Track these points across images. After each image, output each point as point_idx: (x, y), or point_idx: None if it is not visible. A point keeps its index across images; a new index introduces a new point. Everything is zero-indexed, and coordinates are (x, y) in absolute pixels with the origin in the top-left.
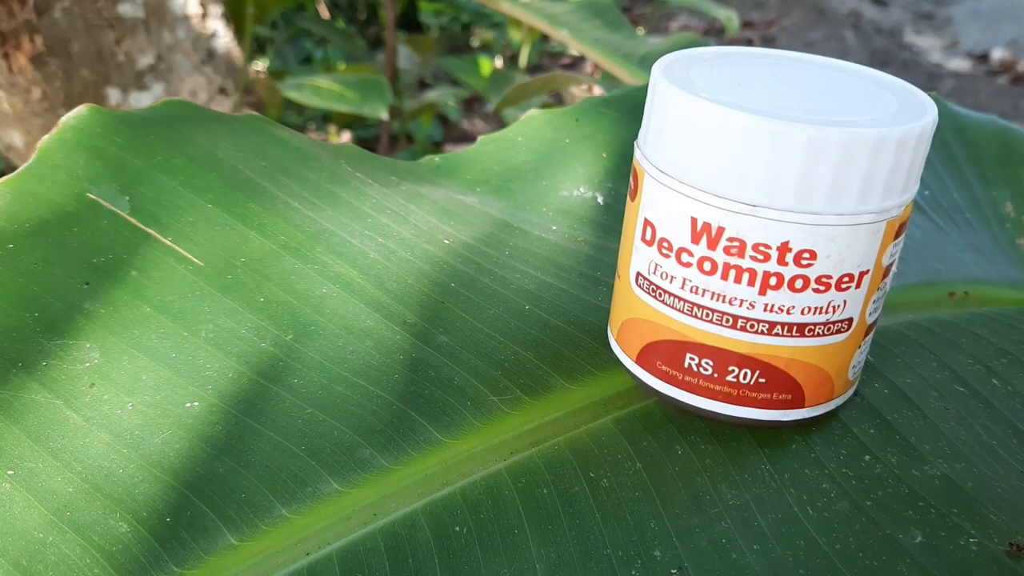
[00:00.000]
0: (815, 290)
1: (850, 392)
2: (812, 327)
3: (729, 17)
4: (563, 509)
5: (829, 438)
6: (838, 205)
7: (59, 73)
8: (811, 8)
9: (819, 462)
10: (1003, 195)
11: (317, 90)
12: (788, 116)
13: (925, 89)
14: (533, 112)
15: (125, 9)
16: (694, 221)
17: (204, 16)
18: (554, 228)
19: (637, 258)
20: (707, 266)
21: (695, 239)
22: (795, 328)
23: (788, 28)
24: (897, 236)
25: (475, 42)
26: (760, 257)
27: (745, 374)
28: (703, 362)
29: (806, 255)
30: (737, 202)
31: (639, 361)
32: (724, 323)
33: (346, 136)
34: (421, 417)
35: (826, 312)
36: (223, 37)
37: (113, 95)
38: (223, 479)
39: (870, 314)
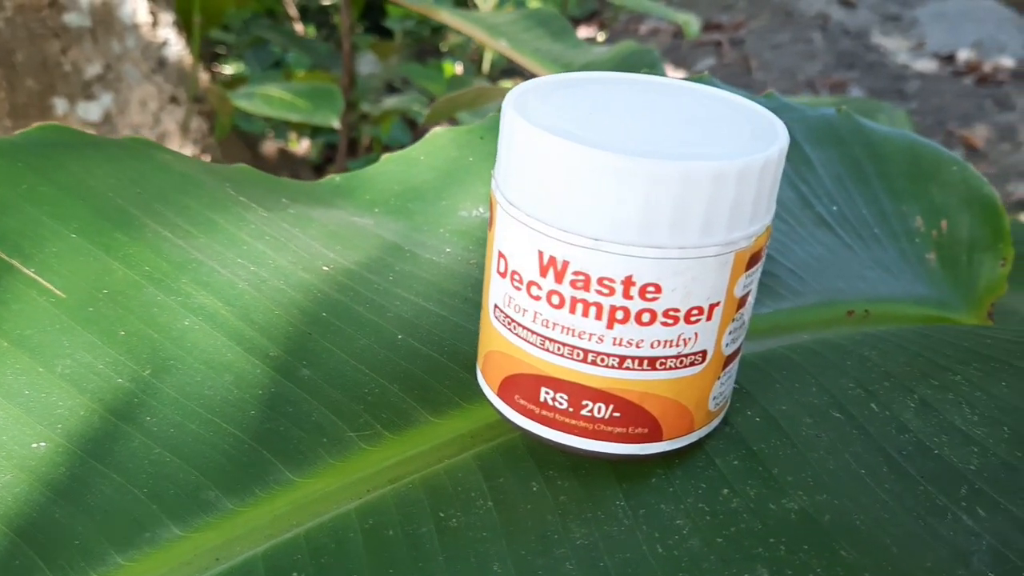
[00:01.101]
0: (663, 323)
1: (715, 423)
2: (663, 360)
3: (687, 22)
4: (408, 552)
5: (691, 471)
6: (681, 239)
7: (3, 83)
8: (779, 10)
9: (677, 497)
10: (913, 209)
11: (268, 99)
12: (631, 149)
13: (890, 91)
14: (438, 130)
15: (71, 18)
16: (541, 254)
17: (154, 24)
18: (448, 250)
19: (494, 290)
20: (555, 299)
21: (543, 272)
22: (646, 361)
23: (756, 30)
24: (750, 266)
25: (444, 47)
26: (605, 291)
27: (599, 408)
28: (558, 396)
29: (651, 289)
30: (581, 236)
31: (500, 394)
32: (575, 357)
33: (306, 143)
34: (273, 456)
35: (677, 345)
36: (175, 45)
37: (60, 105)
38: (59, 525)
39: (727, 345)
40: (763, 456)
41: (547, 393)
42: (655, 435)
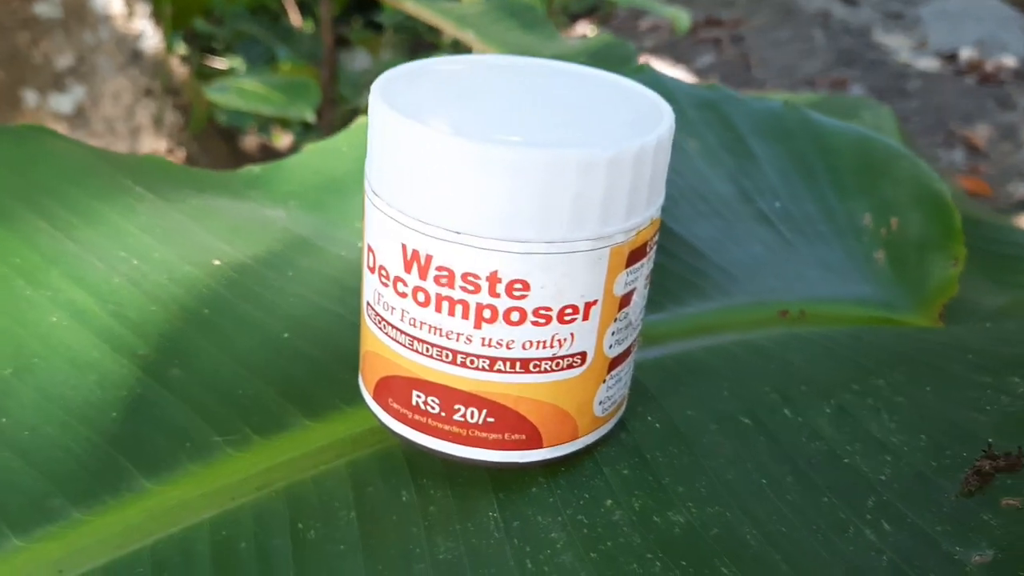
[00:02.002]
0: (534, 323)
1: (604, 428)
2: (537, 362)
3: (678, 16)
4: (257, 567)
5: (576, 480)
6: (548, 232)
7: None
8: (779, 7)
9: (555, 508)
10: (861, 206)
11: (242, 92)
12: (495, 137)
13: (891, 89)
14: (363, 118)
15: (42, 9)
16: (404, 248)
17: (130, 15)
18: (359, 245)
19: (366, 286)
20: (421, 297)
21: (407, 267)
22: (518, 363)
23: (756, 27)
24: (632, 263)
25: (440, 42)
26: (471, 288)
27: (472, 413)
28: (429, 399)
29: (518, 285)
30: (442, 228)
31: (375, 397)
32: (444, 358)
33: (288, 138)
34: (129, 461)
35: (551, 346)
36: (151, 38)
37: (30, 97)
38: None
39: (610, 347)
40: (656, 465)
41: (419, 396)
42: (534, 442)
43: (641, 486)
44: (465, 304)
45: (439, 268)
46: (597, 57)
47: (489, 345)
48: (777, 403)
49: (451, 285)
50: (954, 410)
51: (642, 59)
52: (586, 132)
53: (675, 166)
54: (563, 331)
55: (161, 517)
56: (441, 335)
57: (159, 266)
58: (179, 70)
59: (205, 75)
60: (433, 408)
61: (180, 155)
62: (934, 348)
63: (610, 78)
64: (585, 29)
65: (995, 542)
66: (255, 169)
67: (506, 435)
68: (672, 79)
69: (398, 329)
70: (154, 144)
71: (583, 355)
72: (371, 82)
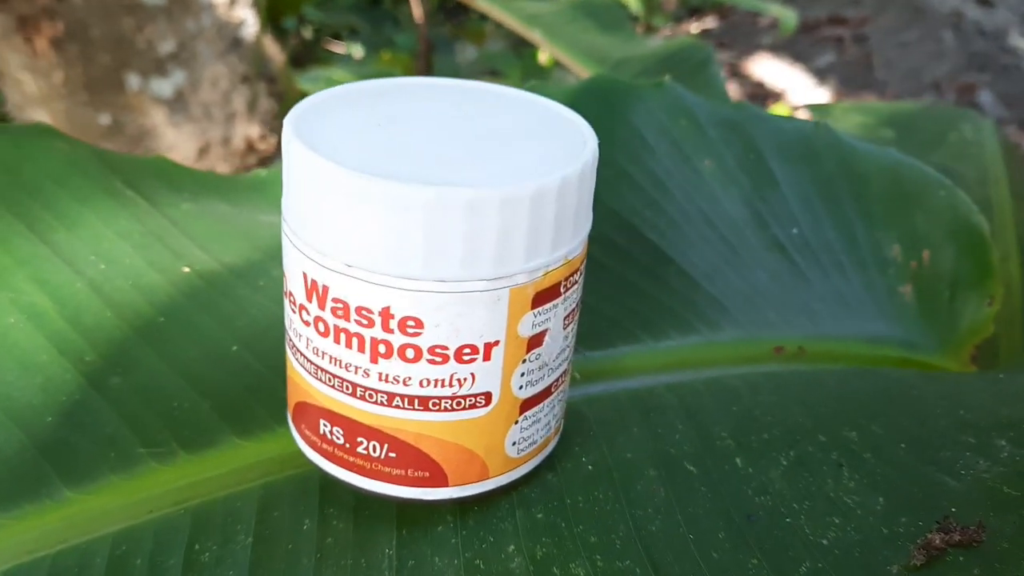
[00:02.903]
0: (431, 361)
1: (523, 469)
2: (437, 400)
3: (784, 16)
4: None
5: (486, 522)
6: (438, 271)
7: (78, 57)
8: (908, 6)
9: (456, 550)
10: (890, 236)
11: (330, 83)
12: (384, 170)
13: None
14: None
15: None
16: (305, 276)
17: (232, 3)
18: None
19: (285, 312)
20: (321, 327)
21: (308, 296)
22: (417, 401)
23: (882, 26)
24: (540, 304)
25: None
26: (364, 322)
27: (374, 447)
28: (335, 430)
29: (411, 323)
30: (336, 260)
31: (294, 421)
32: (345, 390)
33: None
34: (53, 468)
35: (450, 385)
36: (251, 26)
37: (133, 81)
38: None
39: (520, 388)
40: (574, 511)
41: (325, 426)
42: (438, 480)
43: (551, 533)
44: (360, 337)
45: (335, 300)
46: (671, 61)
47: (386, 380)
48: (730, 450)
49: (347, 318)
50: (924, 472)
51: (758, 57)
52: (494, 167)
53: (683, 187)
54: (462, 370)
55: (77, 526)
56: (341, 367)
57: (126, 272)
58: (277, 57)
59: (323, 60)
60: (338, 439)
61: (272, 141)
62: (927, 398)
63: (542, 103)
64: (699, 26)
65: None
66: (262, 173)
67: (409, 471)
68: (694, 97)
69: (305, 357)
70: (247, 130)
71: (487, 395)
72: (479, 72)
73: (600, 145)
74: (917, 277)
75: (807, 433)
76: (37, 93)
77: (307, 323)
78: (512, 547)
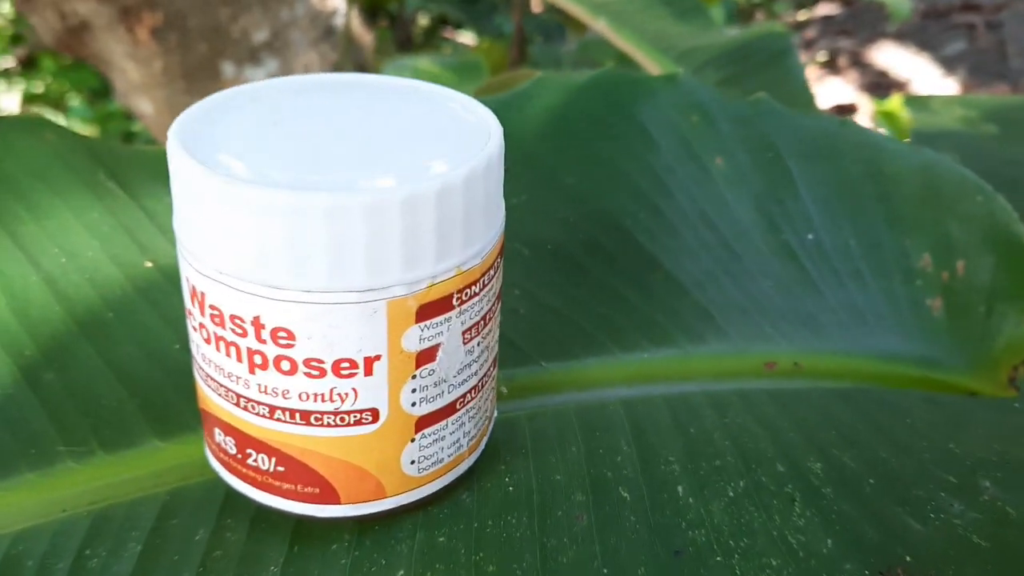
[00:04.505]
0: (307, 374)
1: (428, 489)
2: (319, 415)
3: (896, 3)
4: None
5: (383, 542)
6: (303, 281)
7: (177, 47)
8: None
9: (343, 571)
10: (918, 244)
11: (416, 71)
12: (258, 174)
13: None
14: None
15: None
16: (187, 281)
17: None
18: None
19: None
20: (204, 333)
21: (191, 301)
22: (298, 414)
23: (1019, 13)
24: (428, 317)
25: None
26: (239, 331)
27: (263, 459)
28: (226, 439)
29: (282, 334)
30: (207, 265)
31: (204, 427)
32: (230, 399)
33: None
34: None
35: (331, 400)
36: (343, 15)
37: (228, 69)
38: None
39: (414, 405)
40: (479, 536)
41: (218, 433)
42: (329, 497)
43: (446, 559)
44: (237, 347)
45: (212, 307)
46: (744, 51)
47: (265, 392)
48: (673, 476)
49: (223, 325)
50: (888, 512)
51: (883, 44)
52: (380, 169)
53: (686, 187)
54: (343, 385)
55: None
56: (224, 375)
57: (85, 266)
58: (367, 45)
59: (436, 45)
60: (231, 449)
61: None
62: (919, 427)
63: (456, 99)
64: (827, 10)
65: None
66: None
67: (299, 487)
68: (710, 90)
69: (196, 363)
70: None
71: (374, 412)
72: (567, 63)
73: (596, 143)
74: (949, 289)
75: (765, 461)
76: (139, 81)
77: (194, 328)
78: (401, 572)
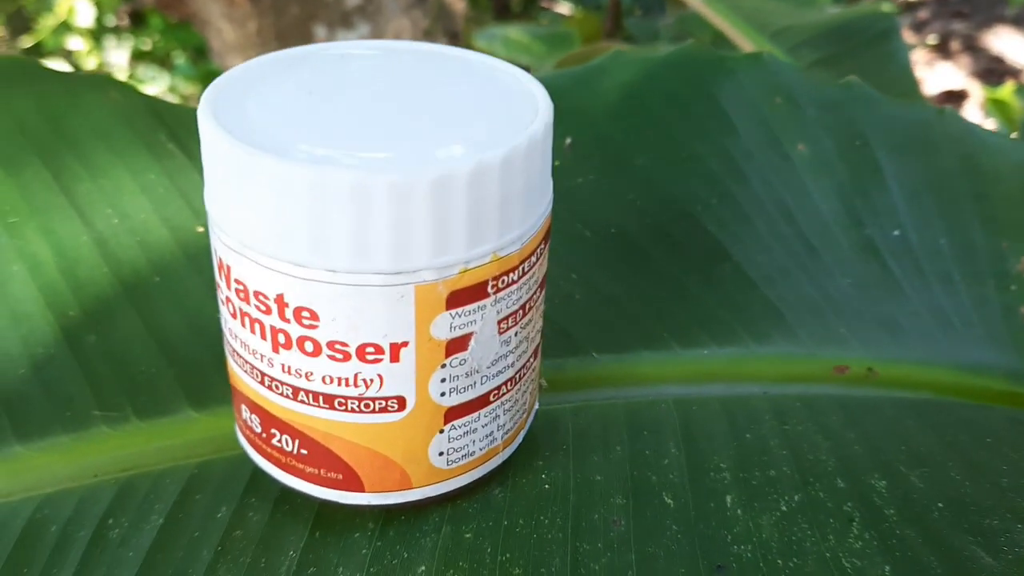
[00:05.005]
0: (331, 357)
1: (458, 482)
2: (343, 400)
3: None
4: (49, 556)
5: (407, 534)
6: (326, 260)
7: (271, 8)
8: None
9: (362, 562)
10: (1017, 247)
11: (506, 41)
12: (286, 144)
13: None
14: None
15: None
16: (214, 252)
17: None
18: None
19: None
20: (231, 308)
21: (219, 273)
22: (322, 398)
23: None
24: (459, 304)
25: None
26: (262, 308)
27: (286, 440)
28: (252, 416)
29: (306, 314)
30: (231, 238)
31: (233, 401)
32: (256, 377)
33: None
34: (10, 422)
35: (355, 385)
36: None
37: (320, 32)
38: None
39: (443, 395)
40: (508, 534)
41: (245, 412)
42: (353, 484)
43: (471, 557)
44: (261, 324)
45: (237, 281)
46: (844, 31)
47: (289, 372)
48: (723, 485)
49: (247, 301)
50: (956, 541)
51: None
52: (415, 145)
53: (764, 174)
54: (368, 371)
55: (18, 482)
56: (250, 352)
57: (137, 227)
58: (460, 12)
59: (534, 15)
60: (256, 427)
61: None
62: (1001, 449)
63: (508, 72)
64: None
65: None
66: None
67: (322, 471)
68: (796, 71)
69: (225, 338)
70: None
71: (400, 400)
72: (665, 38)
73: (671, 123)
74: None
75: (825, 475)
76: (234, 41)
77: (222, 302)
78: (423, 568)
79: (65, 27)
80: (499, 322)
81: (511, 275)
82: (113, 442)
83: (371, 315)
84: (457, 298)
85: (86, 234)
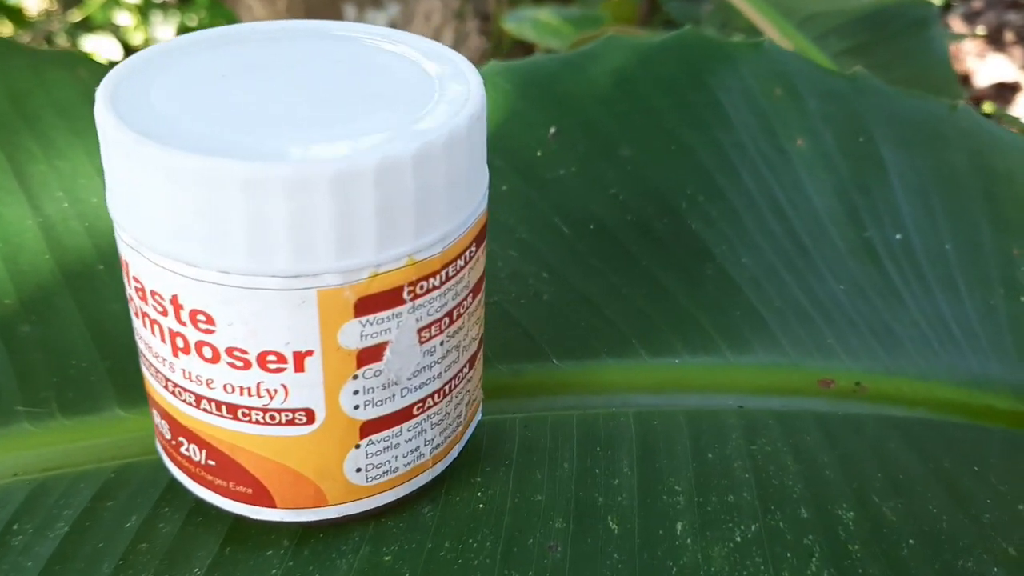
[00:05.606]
0: (231, 364)
1: (380, 499)
2: (246, 411)
3: None
4: None
5: (322, 554)
6: (220, 260)
7: None
8: None
9: None
10: None
11: (536, 23)
12: (178, 134)
13: None
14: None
15: None
16: (118, 249)
17: None
18: None
19: None
20: (132, 307)
21: (122, 269)
22: (224, 407)
23: None
24: (370, 311)
25: None
26: (159, 309)
27: (193, 450)
28: (161, 423)
29: (201, 317)
30: (129, 234)
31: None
32: (160, 381)
33: None
34: None
35: (258, 395)
36: None
37: (350, 11)
38: None
39: (357, 408)
40: (431, 558)
41: (156, 416)
42: (263, 499)
43: None
44: (160, 326)
45: (135, 279)
46: (878, 19)
47: (190, 379)
48: (675, 510)
49: (145, 301)
50: None
51: None
52: (316, 135)
53: (757, 169)
54: (271, 380)
55: None
56: (152, 354)
57: (88, 211)
58: None
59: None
60: (167, 434)
61: None
62: (989, 479)
63: (433, 54)
64: None
65: None
66: None
67: (231, 484)
68: (800, 60)
69: (134, 339)
70: None
71: (309, 412)
72: (706, 23)
73: (662, 112)
74: None
75: (789, 502)
76: (264, 17)
77: (126, 300)
78: None
79: (114, 2)
80: (419, 331)
81: (431, 280)
82: (35, 440)
83: (270, 321)
84: (367, 305)
85: (32, 219)
